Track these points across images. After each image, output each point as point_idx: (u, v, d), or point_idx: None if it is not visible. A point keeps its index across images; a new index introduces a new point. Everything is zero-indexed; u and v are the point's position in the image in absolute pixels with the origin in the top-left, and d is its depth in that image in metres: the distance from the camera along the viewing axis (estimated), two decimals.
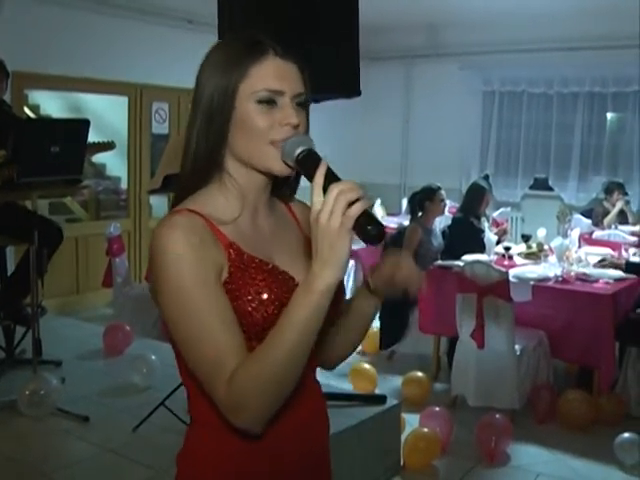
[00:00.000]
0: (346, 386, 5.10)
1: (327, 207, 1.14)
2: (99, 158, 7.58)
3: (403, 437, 4.29)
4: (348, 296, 1.58)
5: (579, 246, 6.32)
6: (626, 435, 4.38)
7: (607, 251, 6.36)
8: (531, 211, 9.50)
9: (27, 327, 4.53)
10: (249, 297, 1.32)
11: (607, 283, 5.32)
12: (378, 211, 8.76)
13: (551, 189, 9.54)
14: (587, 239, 7.17)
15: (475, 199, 6.47)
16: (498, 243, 6.48)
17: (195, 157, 1.38)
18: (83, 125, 4.16)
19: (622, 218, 8.02)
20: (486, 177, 8.90)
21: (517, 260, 6.08)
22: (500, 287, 4.89)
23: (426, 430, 4.43)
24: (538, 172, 9.67)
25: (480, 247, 6.16)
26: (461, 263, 5.40)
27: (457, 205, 7.44)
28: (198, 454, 1.41)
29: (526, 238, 6.59)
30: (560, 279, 5.41)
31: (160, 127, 8.43)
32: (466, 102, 9.89)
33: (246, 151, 1.36)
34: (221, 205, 1.39)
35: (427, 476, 4.29)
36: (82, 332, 5.56)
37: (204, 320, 1.26)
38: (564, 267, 5.54)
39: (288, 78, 1.37)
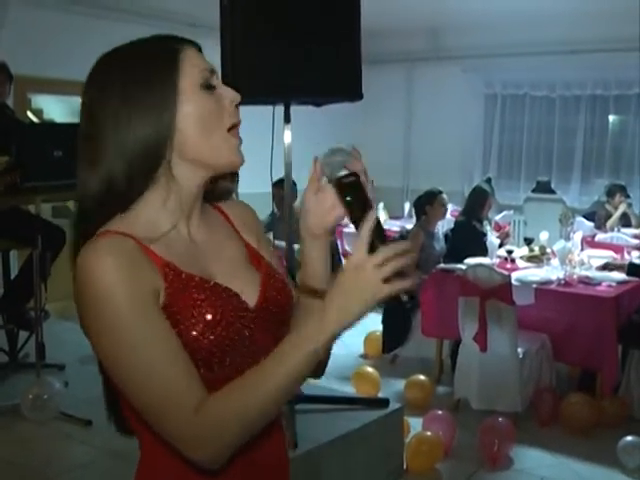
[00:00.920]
0: (349, 389, 5.10)
1: (378, 260, 1.07)
2: None
3: (407, 440, 4.29)
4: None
5: (582, 249, 6.32)
6: (629, 438, 4.38)
7: (610, 254, 6.36)
8: (533, 214, 9.49)
9: (30, 331, 4.54)
10: (192, 320, 1.19)
11: (610, 286, 5.31)
12: (381, 214, 8.76)
13: (553, 192, 9.54)
14: (590, 242, 7.16)
15: (477, 202, 6.48)
16: (500, 246, 6.48)
17: (130, 168, 1.21)
18: None
19: (625, 221, 8.02)
20: (488, 180, 8.90)
21: (519, 263, 6.07)
22: (503, 290, 4.89)
23: (429, 433, 4.43)
24: (540, 175, 9.67)
25: (482, 250, 6.16)
26: (464, 266, 5.40)
27: (459, 208, 7.45)
28: None
29: (528, 241, 6.58)
30: (563, 282, 5.40)
31: None
32: (468, 105, 9.90)
33: (201, 147, 1.25)
34: (153, 217, 1.26)
35: (430, 479, 4.29)
36: (85, 336, 5.55)
37: (150, 354, 1.14)
38: (567, 270, 5.54)
39: (206, 58, 1.29)
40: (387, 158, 10.29)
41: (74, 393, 4.17)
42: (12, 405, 3.92)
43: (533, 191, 9.76)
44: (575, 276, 5.46)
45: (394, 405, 4.08)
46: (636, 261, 5.94)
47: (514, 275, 5.38)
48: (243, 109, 1.34)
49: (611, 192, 8.20)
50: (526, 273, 5.62)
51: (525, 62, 9.21)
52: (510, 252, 6.17)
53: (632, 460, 4.31)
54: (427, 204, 6.29)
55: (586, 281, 5.39)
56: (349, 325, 1.11)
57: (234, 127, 1.28)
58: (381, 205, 8.89)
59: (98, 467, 3.43)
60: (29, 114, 7.62)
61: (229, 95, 1.28)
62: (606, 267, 5.76)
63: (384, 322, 6.22)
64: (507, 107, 9.88)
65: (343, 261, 7.18)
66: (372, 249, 1.09)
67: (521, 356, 4.98)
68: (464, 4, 8.10)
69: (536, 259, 6.13)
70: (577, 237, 6.37)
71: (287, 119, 3.49)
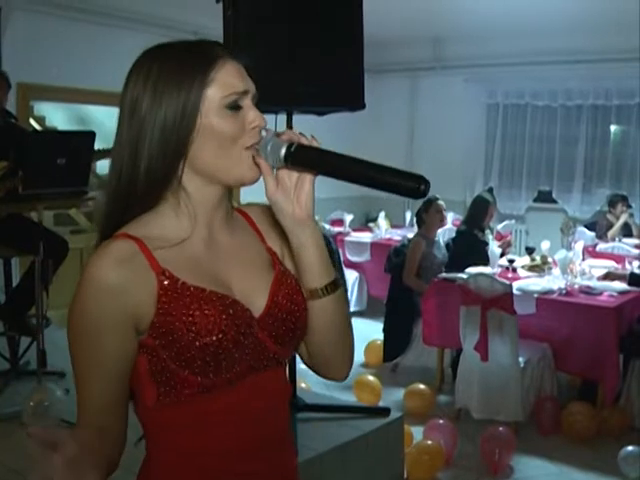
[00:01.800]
0: (350, 398, 5.10)
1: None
2: (104, 170, 7.61)
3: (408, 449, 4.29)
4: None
5: (583, 259, 6.32)
6: (630, 448, 4.37)
7: (611, 264, 6.36)
8: (535, 224, 9.48)
9: (32, 338, 4.54)
10: (185, 328, 1.23)
11: (611, 296, 5.32)
12: (382, 223, 8.78)
13: (555, 202, 9.54)
14: (591, 252, 7.17)
15: (479, 212, 6.49)
16: (502, 256, 6.48)
17: (148, 176, 1.26)
18: (89, 137, 4.18)
19: (626, 231, 8.01)
20: (490, 190, 8.91)
21: (521, 273, 6.08)
22: (504, 300, 4.89)
23: (430, 442, 4.43)
24: (542, 184, 9.66)
25: (484, 260, 6.17)
26: (465, 276, 5.41)
27: (461, 218, 7.45)
28: None
29: (530, 251, 6.59)
30: (564, 292, 5.41)
31: None
32: (470, 115, 9.90)
33: (214, 163, 1.27)
34: (169, 226, 1.30)
35: None
36: None
37: (82, 365, 1.26)
38: (568, 280, 5.55)
39: (245, 77, 1.30)
40: None
41: (75, 400, 4.17)
42: (13, 412, 3.92)
43: (535, 200, 9.75)
44: (576, 286, 5.47)
45: (395, 414, 4.08)
46: (637, 271, 5.95)
47: (515, 284, 5.39)
48: None
49: (612, 202, 8.20)
50: (527, 282, 5.63)
51: (527, 72, 9.22)
52: (511, 261, 6.18)
53: (633, 470, 4.30)
54: (424, 212, 6.31)
55: (587, 291, 5.40)
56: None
57: (252, 145, 1.29)
58: (382, 214, 8.89)
59: None
60: (31, 121, 7.65)
61: (251, 118, 1.28)
62: (607, 277, 5.76)
63: (385, 331, 6.23)
64: (509, 117, 9.88)
65: (344, 269, 7.19)
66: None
67: (522, 365, 4.99)
68: (466, 14, 8.11)
69: (537, 269, 6.13)
70: (578, 247, 6.37)
71: (289, 128, 3.51)
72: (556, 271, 5.92)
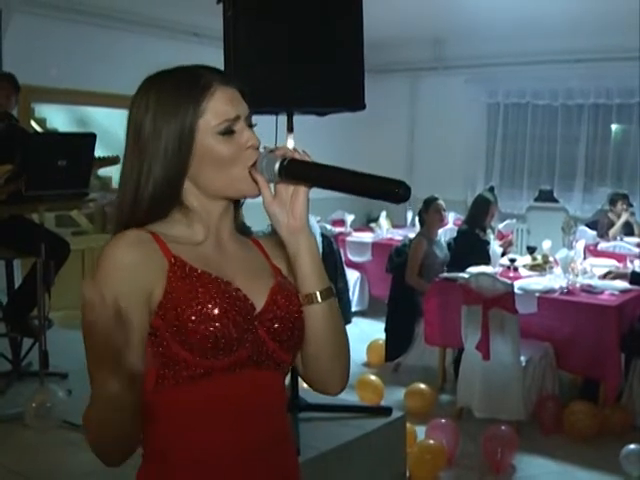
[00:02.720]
0: (352, 398, 5.10)
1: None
2: (105, 171, 7.61)
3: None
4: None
5: (584, 258, 6.32)
6: (632, 447, 4.38)
7: (612, 263, 6.36)
8: (536, 223, 9.48)
9: (34, 339, 4.54)
10: (190, 309, 1.29)
11: (612, 294, 5.32)
12: (383, 223, 8.78)
13: (556, 201, 9.53)
14: (592, 250, 7.17)
15: (480, 211, 6.49)
16: (503, 255, 6.48)
17: (153, 200, 1.35)
18: (90, 139, 4.18)
19: (627, 229, 8.01)
20: (491, 189, 8.91)
21: (522, 272, 6.08)
22: (505, 299, 4.90)
23: (432, 442, 4.43)
24: (543, 184, 9.66)
25: (485, 259, 6.17)
26: (466, 275, 5.41)
27: (462, 217, 7.45)
28: None
29: (531, 250, 6.59)
30: (565, 291, 5.41)
31: None
32: (471, 114, 9.90)
33: (215, 182, 1.36)
34: (182, 231, 1.38)
35: None
36: None
37: (91, 344, 1.21)
38: (569, 279, 5.54)
39: (237, 102, 1.37)
40: (390, 167, 10.20)
41: (77, 402, 4.17)
42: (15, 413, 3.91)
43: (536, 200, 9.75)
44: (578, 285, 5.47)
45: (397, 413, 4.08)
46: (639, 270, 5.95)
47: (517, 284, 5.39)
48: None
49: (614, 201, 8.20)
50: (529, 282, 5.63)
51: (527, 71, 9.22)
52: (513, 261, 6.18)
53: (635, 469, 4.31)
54: (424, 212, 6.34)
55: (589, 290, 5.40)
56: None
57: (249, 166, 1.36)
58: (384, 214, 8.89)
59: (101, 476, 3.43)
60: (33, 123, 7.65)
61: (244, 139, 1.36)
62: (608, 275, 5.77)
63: (387, 330, 6.23)
64: (510, 116, 9.88)
65: (346, 269, 7.19)
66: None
67: (524, 364, 4.99)
68: (466, 14, 8.12)
69: (539, 268, 6.13)
70: (580, 246, 6.38)
71: (290, 128, 3.51)
72: (557, 270, 5.92)
